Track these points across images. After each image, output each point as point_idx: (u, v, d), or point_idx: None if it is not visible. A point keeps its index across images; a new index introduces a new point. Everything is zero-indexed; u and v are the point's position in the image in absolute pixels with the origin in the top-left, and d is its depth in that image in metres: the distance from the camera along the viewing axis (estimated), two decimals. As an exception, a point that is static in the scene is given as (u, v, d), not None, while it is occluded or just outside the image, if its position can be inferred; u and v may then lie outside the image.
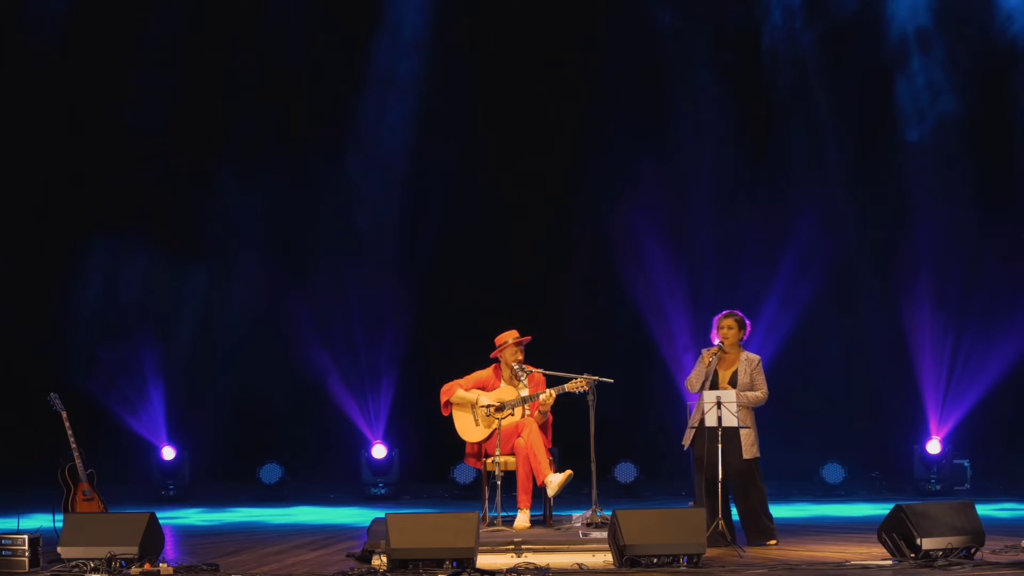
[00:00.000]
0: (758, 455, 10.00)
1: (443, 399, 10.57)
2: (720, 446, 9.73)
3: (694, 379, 10.08)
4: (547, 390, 10.34)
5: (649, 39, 15.29)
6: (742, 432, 9.85)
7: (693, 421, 9.93)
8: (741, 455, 9.90)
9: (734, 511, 10.12)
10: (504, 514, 10.25)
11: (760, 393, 9.99)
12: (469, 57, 15.33)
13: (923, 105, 15.09)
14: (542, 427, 10.47)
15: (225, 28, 15.26)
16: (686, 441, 10.09)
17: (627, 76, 15.31)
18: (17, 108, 15.11)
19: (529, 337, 10.58)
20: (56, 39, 15.12)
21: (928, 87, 15.05)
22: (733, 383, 9.98)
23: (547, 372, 10.47)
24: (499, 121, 15.30)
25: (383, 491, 14.39)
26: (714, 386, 9.98)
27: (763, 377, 10.04)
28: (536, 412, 10.39)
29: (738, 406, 9.76)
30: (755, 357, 10.09)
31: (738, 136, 15.29)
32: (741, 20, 15.26)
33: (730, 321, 10.06)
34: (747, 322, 10.13)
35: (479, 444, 10.49)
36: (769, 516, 10.06)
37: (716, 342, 10.06)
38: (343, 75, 15.40)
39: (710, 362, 9.99)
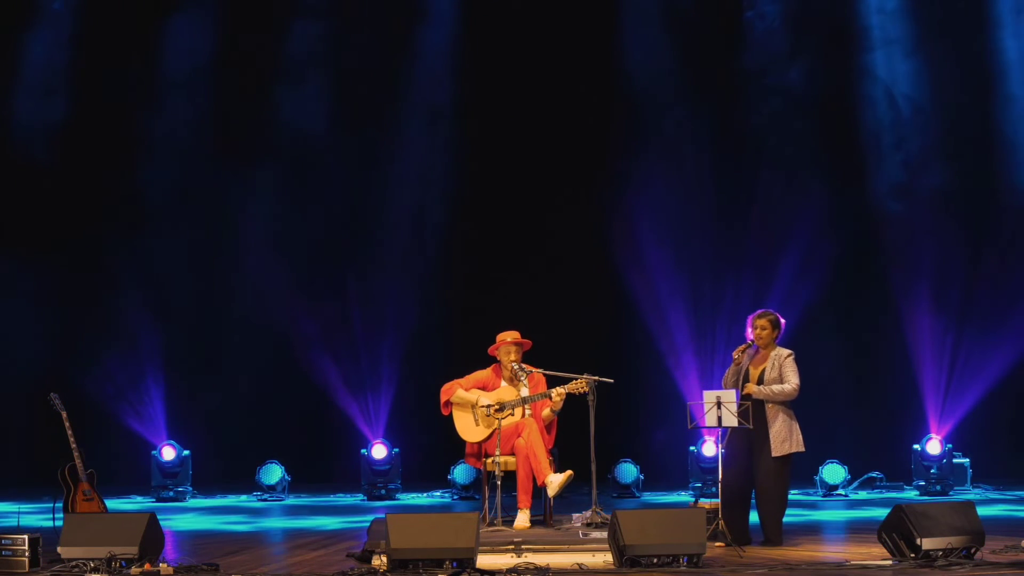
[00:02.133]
0: (791, 451, 9.81)
1: (443, 399, 10.58)
2: (755, 446, 9.71)
3: (728, 378, 9.99)
4: (556, 388, 10.31)
5: (649, 43, 15.31)
6: (772, 430, 9.79)
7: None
8: (770, 453, 9.84)
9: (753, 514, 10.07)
10: (504, 515, 10.25)
11: (787, 387, 9.78)
12: (471, 61, 15.35)
13: (915, 114, 15.16)
14: (547, 427, 10.47)
15: (223, 29, 15.31)
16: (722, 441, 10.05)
17: (628, 79, 15.32)
18: (20, 106, 15.18)
19: (529, 342, 10.57)
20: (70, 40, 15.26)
21: (915, 95, 15.11)
22: (762, 380, 9.92)
23: (547, 372, 10.47)
24: (500, 123, 15.30)
25: (383, 491, 14.39)
26: (745, 383, 9.93)
27: (793, 370, 9.84)
28: (548, 410, 10.39)
29: (768, 400, 9.74)
30: (785, 351, 9.97)
31: (737, 137, 15.30)
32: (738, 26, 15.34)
33: (763, 321, 9.97)
34: (782, 321, 10.03)
35: (479, 444, 10.49)
36: (780, 521, 10.00)
37: (750, 340, 10.01)
38: (343, 78, 15.41)
39: (738, 358, 9.92)
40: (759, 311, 10.08)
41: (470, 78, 15.37)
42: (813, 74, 15.26)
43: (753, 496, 9.97)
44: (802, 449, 9.86)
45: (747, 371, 9.94)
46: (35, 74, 15.31)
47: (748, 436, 9.78)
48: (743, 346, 9.97)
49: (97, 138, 15.23)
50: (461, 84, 15.41)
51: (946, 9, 15.13)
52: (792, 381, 9.83)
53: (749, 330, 10.00)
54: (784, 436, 9.82)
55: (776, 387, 9.83)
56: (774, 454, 9.80)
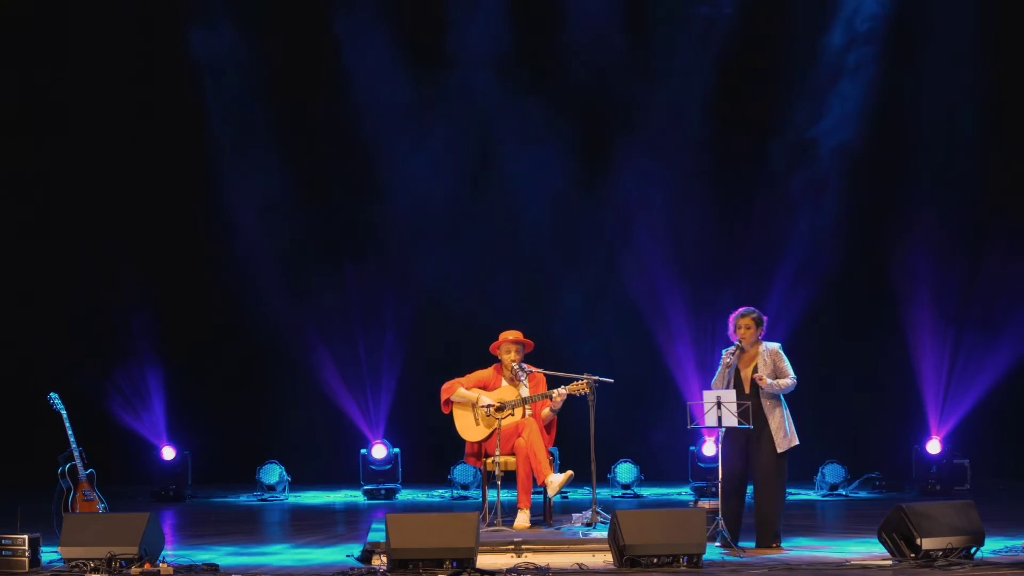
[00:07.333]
0: (795, 443, 9.84)
1: (443, 397, 10.57)
2: (752, 443, 9.70)
3: (717, 381, 9.94)
4: (556, 389, 10.30)
5: (647, 40, 15.33)
6: (772, 426, 9.78)
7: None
8: (773, 449, 9.81)
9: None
10: (504, 515, 10.24)
11: (788, 380, 9.85)
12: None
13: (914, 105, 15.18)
14: (547, 426, 10.47)
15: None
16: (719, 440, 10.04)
17: (627, 77, 15.32)
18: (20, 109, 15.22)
19: (532, 343, 10.56)
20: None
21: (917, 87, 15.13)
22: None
23: (547, 372, 10.47)
24: (499, 122, 15.31)
25: (383, 491, 14.39)
26: (738, 384, 9.88)
27: (786, 363, 9.89)
28: (547, 409, 10.39)
29: (768, 395, 9.74)
30: (774, 346, 9.97)
31: (738, 138, 15.30)
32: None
33: (747, 321, 9.95)
34: (764, 318, 10.02)
35: (479, 444, 10.49)
36: (780, 520, 9.99)
37: (735, 341, 9.98)
38: (338, 75, 15.41)
39: (729, 362, 9.91)
40: (741, 310, 10.01)
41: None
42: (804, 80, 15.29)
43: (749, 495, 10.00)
44: (798, 442, 9.88)
45: (738, 373, 9.92)
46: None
47: (744, 433, 9.77)
48: (732, 349, 9.93)
49: (89, 143, 15.25)
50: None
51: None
52: (791, 373, 9.88)
53: (733, 331, 9.98)
54: (784, 431, 9.84)
55: (781, 381, 9.83)
56: (779, 450, 9.79)
